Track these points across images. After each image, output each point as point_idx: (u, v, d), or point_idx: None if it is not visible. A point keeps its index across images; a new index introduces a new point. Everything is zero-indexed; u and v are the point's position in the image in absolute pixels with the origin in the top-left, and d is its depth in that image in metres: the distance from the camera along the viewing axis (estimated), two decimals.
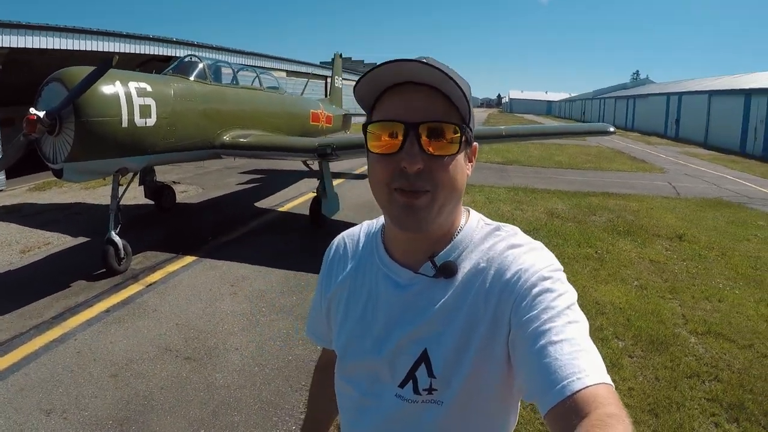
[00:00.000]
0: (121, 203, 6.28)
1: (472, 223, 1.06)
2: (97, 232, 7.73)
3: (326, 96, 21.57)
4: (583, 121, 61.73)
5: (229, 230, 8.22)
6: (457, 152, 0.95)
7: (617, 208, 10.85)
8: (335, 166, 10.50)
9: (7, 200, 10.27)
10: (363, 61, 77.29)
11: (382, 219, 1.13)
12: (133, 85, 5.88)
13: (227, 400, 3.70)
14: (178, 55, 14.91)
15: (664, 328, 5.04)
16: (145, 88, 6.06)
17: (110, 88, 5.63)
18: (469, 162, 1.03)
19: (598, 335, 4.81)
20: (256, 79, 9.60)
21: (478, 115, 64.93)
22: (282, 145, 8.23)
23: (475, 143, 1.04)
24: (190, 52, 10.01)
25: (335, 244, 1.21)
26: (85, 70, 5.29)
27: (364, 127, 0.98)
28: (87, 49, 12.70)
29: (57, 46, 11.81)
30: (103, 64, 5.13)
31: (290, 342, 4.61)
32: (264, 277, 6.20)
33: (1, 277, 6.11)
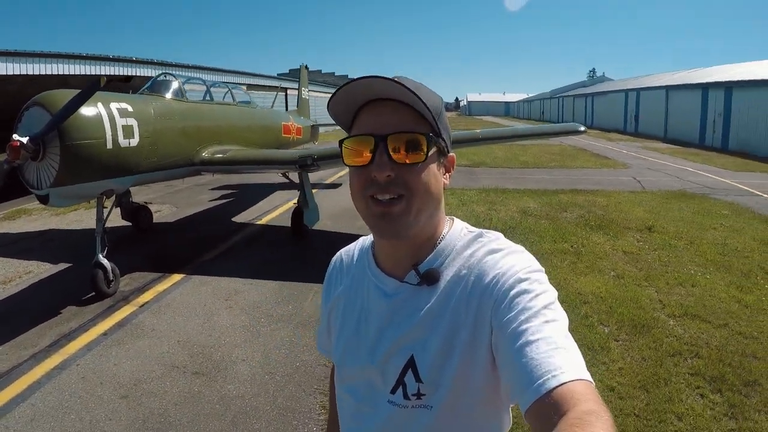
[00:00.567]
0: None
1: (455, 231, 1.09)
2: (75, 257, 7.66)
3: (287, 108, 21.66)
4: (543, 121, 63.03)
5: (211, 246, 8.23)
6: (426, 160, 0.99)
7: (587, 203, 11.28)
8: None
9: None
10: (333, 73, 77.25)
11: None
12: (114, 106, 5.88)
13: (244, 410, 3.79)
14: (138, 74, 14.77)
15: (644, 313, 5.36)
16: (127, 109, 6.07)
17: (93, 109, 5.61)
18: (447, 172, 1.08)
19: (584, 323, 5.11)
20: (228, 93, 9.65)
21: None
22: (264, 158, 8.31)
23: (451, 154, 1.09)
24: (149, 71, 9.98)
25: (334, 260, 1.27)
26: (68, 94, 5.27)
27: (341, 143, 1.03)
28: (44, 73, 12.45)
29: (11, 72, 11.53)
30: (90, 86, 5.10)
31: (295, 349, 4.72)
32: (257, 290, 6.28)
33: None
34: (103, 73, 14.62)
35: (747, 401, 3.76)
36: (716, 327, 5.03)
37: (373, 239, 1.16)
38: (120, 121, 5.90)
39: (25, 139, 4.99)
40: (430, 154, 0.99)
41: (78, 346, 4.94)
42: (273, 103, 14.51)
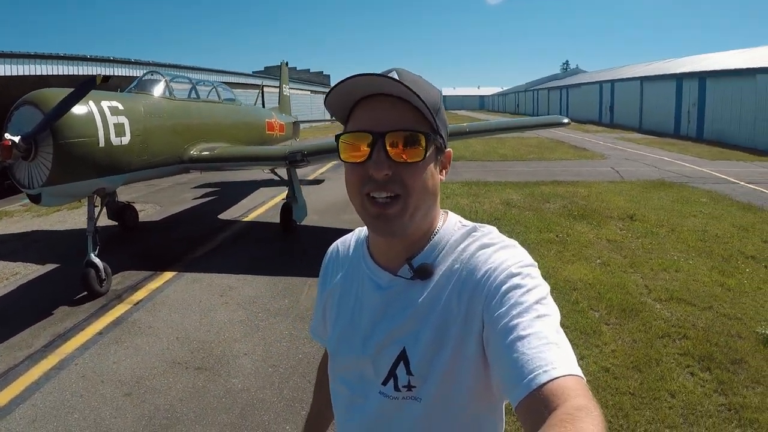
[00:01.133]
0: (84, 227, 6.20)
1: (449, 225, 1.09)
2: (62, 258, 7.58)
3: (263, 105, 21.57)
4: (518, 115, 63.60)
5: (200, 244, 8.21)
6: (424, 158, 0.98)
7: (568, 194, 11.49)
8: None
9: None
10: (322, 72, 76.60)
11: None
12: (105, 104, 5.84)
13: (251, 402, 3.84)
14: (117, 74, 14.56)
15: (632, 298, 5.53)
16: (117, 107, 6.03)
17: (85, 107, 5.57)
18: (443, 169, 1.08)
19: (574, 308, 5.27)
20: (214, 91, 9.61)
21: None
22: (254, 154, 8.33)
23: (448, 150, 1.08)
24: (127, 71, 9.89)
25: (330, 250, 1.28)
26: (59, 92, 5.22)
27: (337, 137, 1.02)
28: (21, 74, 12.23)
29: None
30: (85, 83, 5.06)
31: (296, 342, 4.77)
32: (250, 285, 6.30)
33: None
34: (81, 73, 14.42)
35: (735, 378, 3.93)
36: (701, 309, 5.22)
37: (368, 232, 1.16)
38: (111, 120, 5.87)
39: (16, 138, 4.94)
40: (428, 152, 0.99)
41: (74, 345, 4.90)
42: (256, 100, 14.47)
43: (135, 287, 6.37)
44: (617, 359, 4.26)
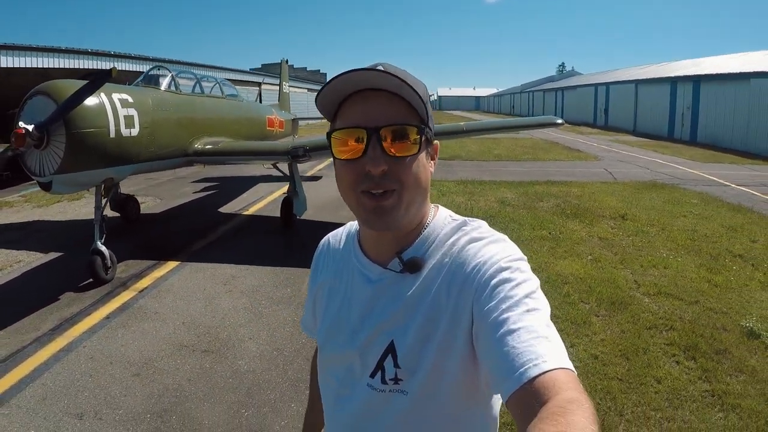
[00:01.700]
0: (84, 218, 6.35)
1: (439, 219, 1.09)
2: (65, 247, 7.72)
3: (260, 102, 21.83)
4: (514, 116, 63.84)
5: (201, 236, 8.37)
6: (419, 152, 0.98)
7: (561, 194, 11.70)
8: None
9: None
10: (319, 69, 76.56)
11: None
12: (116, 96, 6.01)
13: (257, 382, 4.01)
14: (118, 68, 14.64)
15: (621, 292, 5.74)
16: (127, 99, 6.20)
17: (97, 99, 5.73)
18: (432, 160, 1.08)
19: (566, 300, 5.47)
20: (217, 86, 9.78)
21: None
22: (257, 149, 8.51)
23: (436, 142, 1.09)
24: (130, 65, 10.02)
25: (322, 243, 1.28)
26: (72, 84, 5.37)
27: (329, 134, 1.01)
28: (23, 66, 12.33)
29: None
30: (99, 75, 5.21)
31: (299, 328, 4.82)
32: (253, 275, 6.47)
33: None
34: (81, 66, 14.52)
35: (719, 367, 4.14)
36: (688, 304, 5.43)
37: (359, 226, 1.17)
38: (122, 111, 6.03)
39: (30, 127, 5.08)
40: (421, 145, 0.99)
41: (82, 329, 5.03)
42: (257, 97, 14.63)
43: (139, 275, 6.52)
44: (606, 347, 4.46)
